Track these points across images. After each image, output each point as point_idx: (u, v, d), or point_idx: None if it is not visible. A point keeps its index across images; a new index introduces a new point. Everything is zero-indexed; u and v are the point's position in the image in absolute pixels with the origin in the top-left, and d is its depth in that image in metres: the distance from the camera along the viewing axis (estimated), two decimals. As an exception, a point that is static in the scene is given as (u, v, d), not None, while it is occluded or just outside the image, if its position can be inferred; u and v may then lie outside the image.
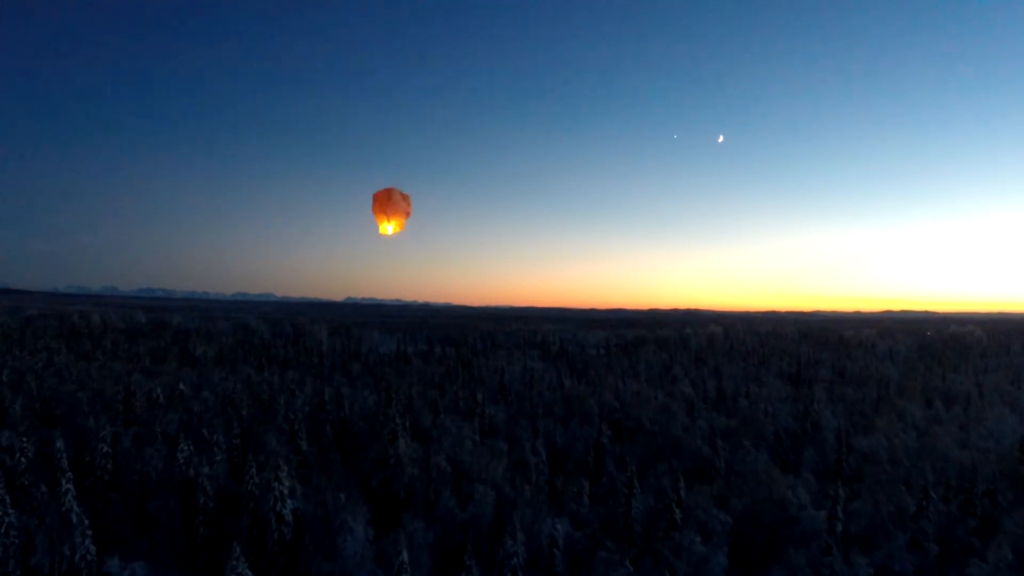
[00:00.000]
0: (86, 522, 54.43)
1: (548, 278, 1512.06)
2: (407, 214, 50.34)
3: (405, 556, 49.06)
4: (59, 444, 66.99)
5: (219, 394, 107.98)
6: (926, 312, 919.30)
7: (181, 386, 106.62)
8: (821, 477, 77.78)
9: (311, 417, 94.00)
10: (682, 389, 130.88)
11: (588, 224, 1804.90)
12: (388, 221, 49.29)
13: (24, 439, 66.34)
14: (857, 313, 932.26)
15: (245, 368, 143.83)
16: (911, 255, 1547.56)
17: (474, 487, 64.96)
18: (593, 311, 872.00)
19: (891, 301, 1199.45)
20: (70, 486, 56.22)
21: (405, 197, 51.01)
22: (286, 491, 57.91)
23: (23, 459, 64.98)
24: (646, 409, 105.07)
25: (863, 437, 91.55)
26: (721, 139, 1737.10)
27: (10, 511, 54.25)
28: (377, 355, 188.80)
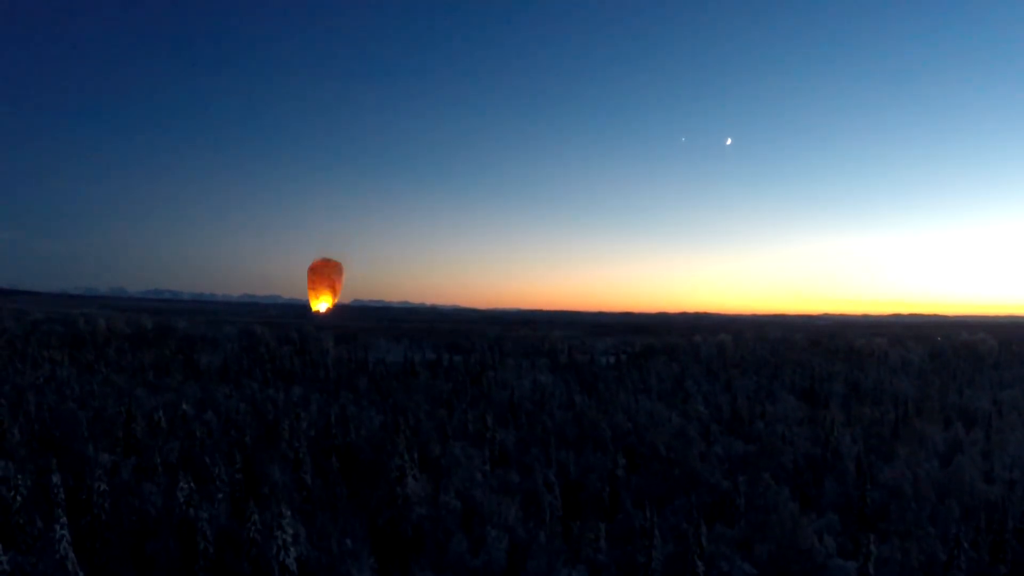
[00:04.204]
0: (81, 573, 52.08)
1: (555, 281, 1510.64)
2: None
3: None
4: (56, 479, 65.02)
5: (222, 415, 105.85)
6: (935, 316, 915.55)
7: (184, 406, 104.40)
8: (845, 514, 75.11)
9: (316, 442, 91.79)
10: (696, 408, 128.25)
11: (595, 227, 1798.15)
12: (332, 294, 41.46)
13: (20, 475, 64.05)
14: (866, 316, 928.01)
15: (250, 383, 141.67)
16: (920, 259, 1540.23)
17: (486, 529, 62.35)
18: (601, 314, 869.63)
19: (899, 304, 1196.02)
20: (64, 532, 53.70)
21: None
22: (289, 539, 55.44)
23: (18, 496, 62.82)
24: (660, 433, 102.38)
25: (885, 466, 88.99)
26: (729, 142, 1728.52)
27: (3, 558, 52.00)
28: (384, 367, 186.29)
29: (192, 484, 64.83)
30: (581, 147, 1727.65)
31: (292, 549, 55.74)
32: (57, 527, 53.82)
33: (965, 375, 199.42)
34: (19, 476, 63.74)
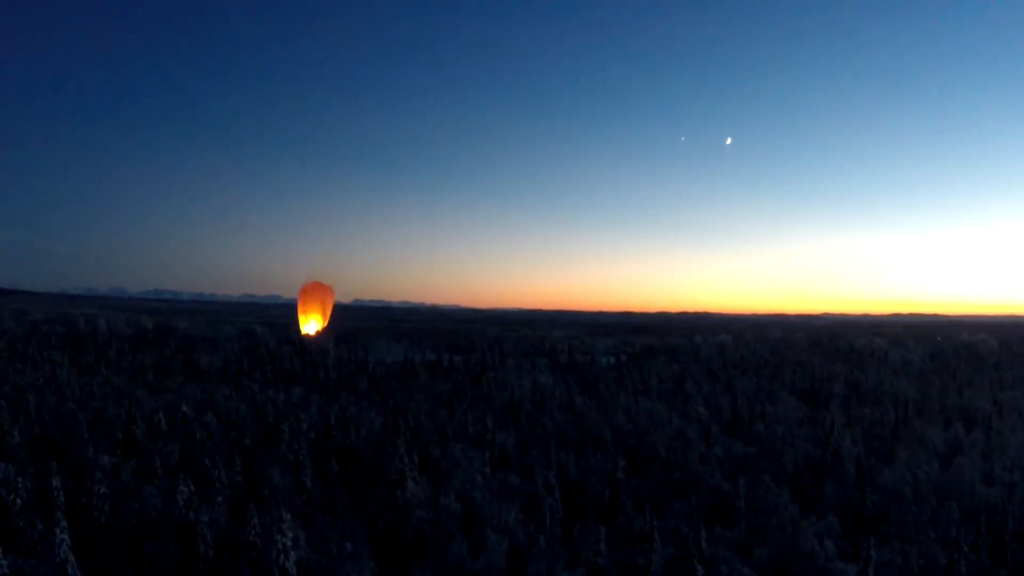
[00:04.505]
0: (80, 577, 52.08)
1: (556, 281, 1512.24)
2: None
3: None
4: (56, 482, 64.90)
5: (223, 416, 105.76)
6: (935, 315, 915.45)
7: (184, 408, 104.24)
8: (845, 516, 74.95)
9: (316, 444, 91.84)
10: (696, 409, 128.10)
11: (595, 227, 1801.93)
12: (322, 317, 50.16)
13: (20, 478, 64.05)
14: (866, 316, 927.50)
15: (250, 384, 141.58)
16: (920, 259, 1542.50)
17: (486, 533, 62.32)
18: (601, 314, 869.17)
19: (899, 304, 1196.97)
20: (64, 536, 53.69)
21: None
22: (289, 543, 55.47)
23: (18, 499, 62.77)
24: (661, 435, 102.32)
25: (885, 468, 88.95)
26: (729, 141, 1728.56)
27: (3, 562, 51.97)
28: (384, 368, 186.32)
29: (192, 487, 64.83)
30: (581, 147, 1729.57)
31: (292, 553, 55.76)
32: (57, 531, 53.79)
33: (965, 376, 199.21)
34: (19, 479, 63.71)
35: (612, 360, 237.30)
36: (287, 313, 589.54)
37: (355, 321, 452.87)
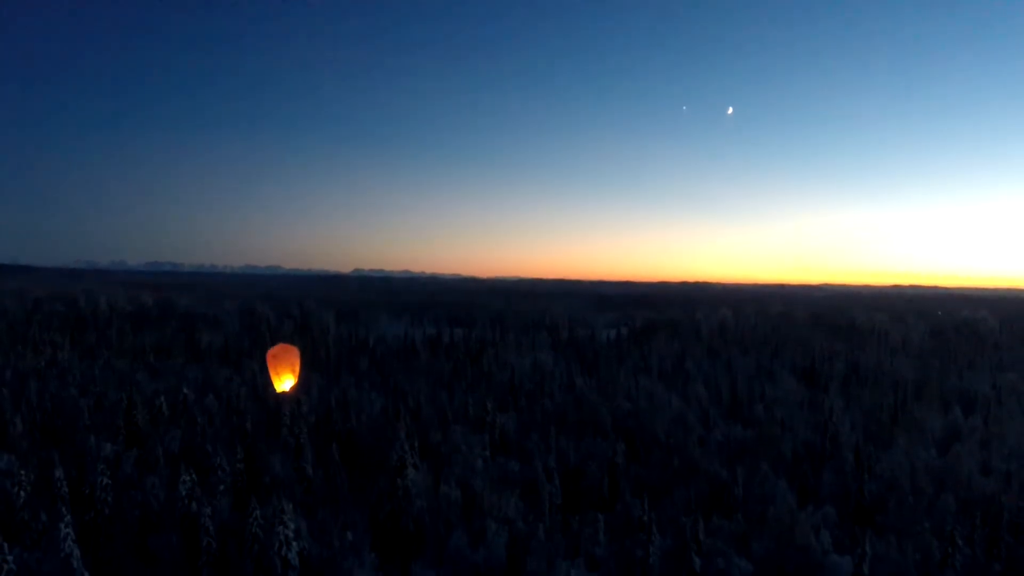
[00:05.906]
0: (86, 573, 52.57)
1: (557, 250, 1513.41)
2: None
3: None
4: (59, 473, 65.44)
5: (224, 399, 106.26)
6: (935, 288, 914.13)
7: (185, 390, 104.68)
8: (842, 505, 75.36)
9: (317, 429, 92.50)
10: (696, 390, 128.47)
11: (597, 196, 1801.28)
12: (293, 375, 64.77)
13: (23, 470, 64.56)
14: (867, 287, 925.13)
15: (251, 364, 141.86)
16: (921, 233, 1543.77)
17: (486, 523, 62.94)
18: (602, 283, 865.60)
19: (900, 275, 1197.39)
20: (69, 530, 54.09)
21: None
22: (291, 534, 56.04)
23: (22, 492, 63.25)
24: (660, 418, 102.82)
25: (883, 455, 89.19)
26: (730, 111, 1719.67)
27: (8, 557, 52.38)
28: (385, 345, 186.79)
29: (194, 476, 65.14)
30: (583, 116, 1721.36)
31: (294, 544, 56.34)
32: (62, 525, 54.17)
33: (965, 356, 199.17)
34: (22, 471, 64.24)
35: (612, 335, 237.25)
36: (288, 285, 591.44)
37: (356, 294, 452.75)
